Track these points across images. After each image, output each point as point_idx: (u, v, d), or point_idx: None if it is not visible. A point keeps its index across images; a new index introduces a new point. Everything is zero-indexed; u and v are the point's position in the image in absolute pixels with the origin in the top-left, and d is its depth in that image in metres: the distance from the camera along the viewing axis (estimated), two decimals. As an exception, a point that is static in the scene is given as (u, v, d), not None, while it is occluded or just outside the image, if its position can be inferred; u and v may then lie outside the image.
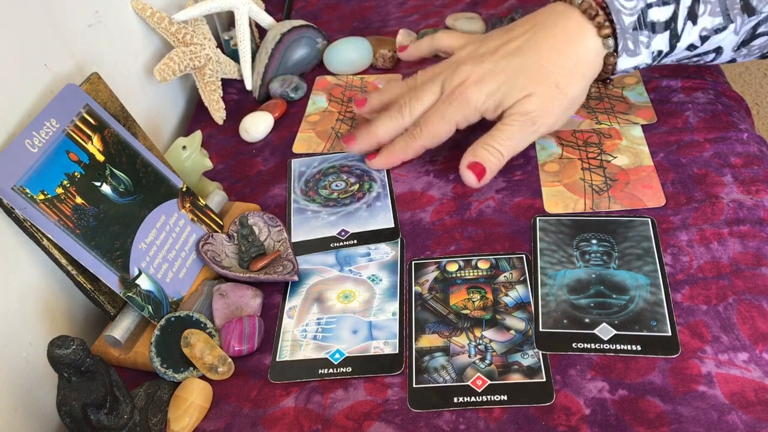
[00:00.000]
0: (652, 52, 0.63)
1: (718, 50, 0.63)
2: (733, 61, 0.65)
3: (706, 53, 0.63)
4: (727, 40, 0.62)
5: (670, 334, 0.53)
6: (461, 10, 0.94)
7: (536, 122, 0.63)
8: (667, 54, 0.63)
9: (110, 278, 0.57)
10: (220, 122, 0.84)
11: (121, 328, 0.58)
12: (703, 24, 0.61)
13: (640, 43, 0.62)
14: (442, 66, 0.68)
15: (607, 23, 0.61)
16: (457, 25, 0.89)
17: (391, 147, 0.69)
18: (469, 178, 0.64)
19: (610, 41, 0.62)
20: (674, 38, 0.62)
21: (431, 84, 0.66)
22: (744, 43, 0.62)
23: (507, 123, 0.63)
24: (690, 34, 0.61)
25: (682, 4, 0.60)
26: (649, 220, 0.61)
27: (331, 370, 0.56)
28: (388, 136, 0.69)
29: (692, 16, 0.60)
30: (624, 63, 0.63)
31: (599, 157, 0.69)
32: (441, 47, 0.73)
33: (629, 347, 0.53)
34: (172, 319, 0.58)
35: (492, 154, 0.64)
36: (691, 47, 0.62)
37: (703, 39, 0.61)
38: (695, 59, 0.65)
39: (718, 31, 0.61)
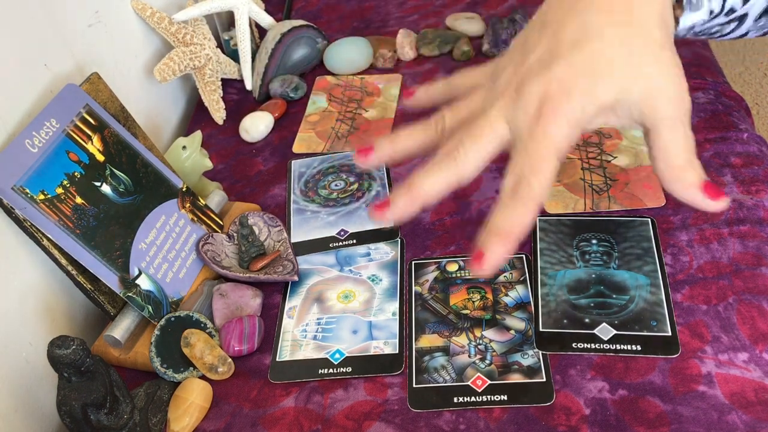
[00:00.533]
0: (711, 10, 0.50)
1: (742, 18, 0.53)
2: (743, 36, 0.55)
3: (732, 21, 0.53)
4: (758, 4, 0.51)
5: (670, 334, 0.53)
6: (461, 10, 0.94)
7: (683, 99, 0.46)
8: (716, 16, 0.51)
9: (110, 278, 0.57)
10: (220, 122, 0.84)
11: (121, 328, 0.58)
12: None
13: None
14: (483, 96, 0.50)
15: None
16: (456, 25, 0.89)
17: (501, 226, 0.45)
18: (720, 203, 0.47)
19: None
20: None
21: (493, 113, 0.47)
22: (766, 12, 0.52)
23: (669, 130, 0.46)
24: None
25: None
26: (649, 220, 0.61)
27: (331, 370, 0.56)
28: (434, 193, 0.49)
29: None
30: (686, 19, 0.50)
31: (599, 157, 0.69)
32: (461, 84, 0.55)
33: (629, 347, 0.53)
34: (172, 319, 0.58)
35: (695, 166, 0.47)
36: (731, 11, 0.51)
37: (745, 0, 0.50)
38: (716, 30, 0.54)
39: None
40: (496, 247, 0.44)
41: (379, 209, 0.49)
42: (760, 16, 0.53)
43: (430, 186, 0.48)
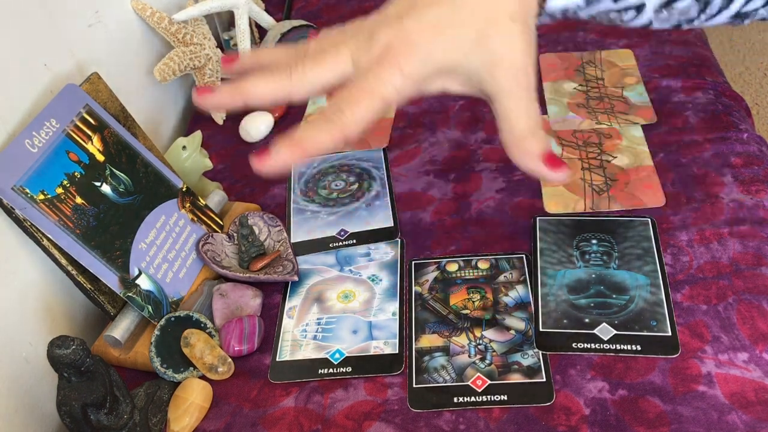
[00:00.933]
0: None
1: (640, 7, 0.51)
2: (647, 26, 0.53)
3: (628, 9, 0.51)
4: None
5: (670, 334, 0.53)
6: (461, 10, 0.94)
7: (529, 74, 0.47)
8: (596, 1, 0.50)
9: (110, 278, 0.57)
10: (220, 122, 0.84)
11: (121, 328, 0.58)
12: None
13: None
14: (353, 39, 0.50)
15: None
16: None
17: (298, 133, 0.46)
18: (559, 175, 0.47)
19: None
20: None
21: (336, 51, 0.49)
22: (667, 3, 0.51)
23: (512, 99, 0.46)
24: None
25: None
26: (649, 220, 0.61)
27: (331, 370, 0.56)
28: (268, 98, 0.49)
29: None
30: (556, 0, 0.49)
31: (599, 157, 0.69)
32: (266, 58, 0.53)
33: (629, 347, 0.53)
34: (172, 319, 0.58)
35: (539, 136, 0.47)
36: None
37: None
38: (614, 15, 0.52)
39: None
40: (284, 150, 0.45)
41: (260, 155, 0.46)
42: (661, 7, 0.52)
43: (263, 92, 0.48)
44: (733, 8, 0.50)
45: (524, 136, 0.46)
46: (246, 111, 0.83)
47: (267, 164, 0.45)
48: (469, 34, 0.45)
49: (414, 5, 0.47)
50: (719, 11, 0.50)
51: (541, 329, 0.55)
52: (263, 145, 0.80)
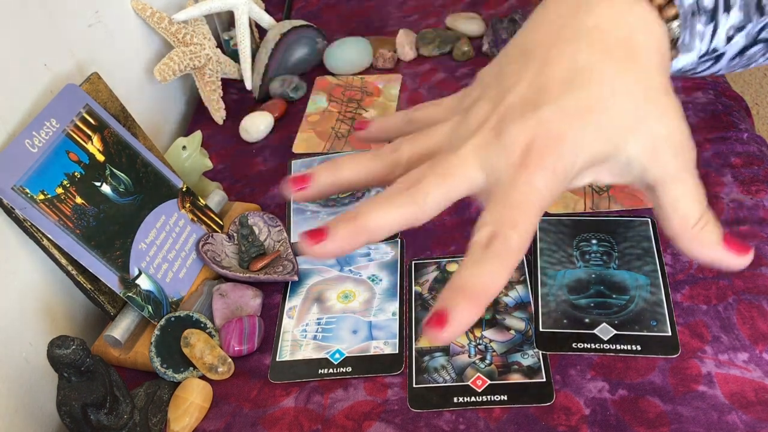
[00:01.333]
0: (700, 51, 0.45)
1: (719, 57, 0.48)
2: (715, 73, 0.50)
3: (709, 60, 0.47)
4: (737, 44, 0.46)
5: (670, 334, 0.53)
6: (461, 10, 0.94)
7: (685, 147, 0.40)
8: (702, 56, 0.46)
9: (110, 278, 0.57)
10: (220, 122, 0.84)
11: (121, 328, 0.58)
12: (732, 20, 0.44)
13: (696, 33, 0.44)
14: (460, 123, 0.42)
15: (668, 2, 0.42)
16: (456, 25, 0.89)
17: (471, 284, 0.36)
18: (744, 259, 0.40)
19: (675, 26, 0.43)
20: (714, 33, 0.45)
21: (466, 153, 0.40)
22: (743, 50, 0.47)
23: (677, 184, 0.40)
24: (723, 30, 0.45)
25: None
26: (649, 219, 0.61)
27: (331, 370, 0.56)
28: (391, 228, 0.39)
29: (727, 7, 0.44)
30: (678, 61, 0.45)
31: (599, 157, 0.69)
32: (423, 119, 0.47)
33: (629, 347, 0.53)
34: (172, 319, 0.58)
35: (711, 222, 0.40)
36: (713, 51, 0.46)
37: (728, 39, 0.45)
38: (692, 69, 0.49)
39: (739, 30, 0.45)
40: (464, 308, 0.36)
41: (314, 238, 0.38)
42: (735, 56, 0.48)
43: (383, 221, 0.39)
44: None
45: (699, 225, 0.40)
46: (247, 111, 0.83)
47: (448, 332, 0.35)
48: (623, 118, 0.38)
49: (545, 88, 0.39)
50: None
51: (541, 329, 0.55)
52: (262, 144, 0.80)
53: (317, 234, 0.38)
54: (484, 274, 0.36)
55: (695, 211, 0.39)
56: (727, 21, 0.44)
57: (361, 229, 0.39)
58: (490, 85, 0.42)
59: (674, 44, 0.43)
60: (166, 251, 0.62)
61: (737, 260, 0.39)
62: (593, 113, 0.38)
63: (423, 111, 0.47)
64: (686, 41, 0.43)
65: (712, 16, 0.43)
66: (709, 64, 0.47)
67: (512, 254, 0.36)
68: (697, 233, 0.39)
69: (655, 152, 0.39)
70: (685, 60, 0.45)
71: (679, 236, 0.40)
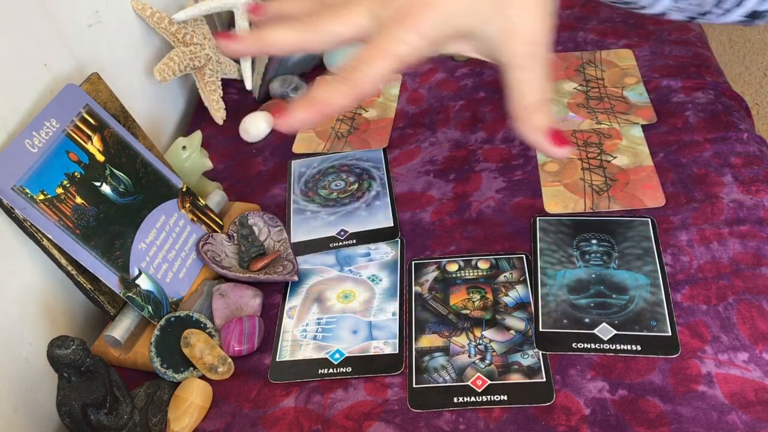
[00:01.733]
0: None
1: None
2: (661, 15, 0.53)
3: None
4: None
5: (670, 334, 0.53)
6: (461, 10, 0.94)
7: (544, 47, 0.46)
8: None
9: (110, 278, 0.57)
10: (220, 122, 0.84)
11: (121, 328, 0.58)
12: None
13: None
14: None
15: None
16: (457, 25, 0.89)
17: (313, 95, 0.47)
18: (562, 151, 0.46)
19: None
20: None
21: (354, 5, 0.49)
22: None
23: (524, 70, 0.46)
24: None
25: None
26: (649, 220, 0.61)
27: (331, 370, 0.56)
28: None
29: None
30: None
31: (599, 157, 0.69)
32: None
33: (629, 347, 0.53)
34: (172, 319, 0.58)
35: (544, 110, 0.47)
36: None
37: None
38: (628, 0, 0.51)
39: None
40: (301, 110, 0.46)
41: (279, 116, 0.47)
42: None
43: (283, 40, 0.48)
44: (748, 5, 0.49)
45: (532, 110, 0.46)
46: (247, 111, 0.83)
47: (285, 123, 0.45)
48: (487, 3, 0.45)
49: None
50: (734, 6, 0.50)
51: (541, 329, 0.55)
52: (262, 144, 0.80)
53: (282, 112, 0.46)
54: (329, 90, 0.46)
55: (532, 97, 0.45)
56: None
57: (264, 44, 0.48)
58: None
59: None
60: (166, 251, 0.62)
61: (556, 150, 0.45)
62: None
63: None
64: None
65: None
66: (648, 0, 0.51)
67: (358, 83, 0.45)
68: (527, 115, 0.45)
69: (508, 37, 0.45)
70: None
71: (515, 117, 0.46)
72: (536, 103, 0.46)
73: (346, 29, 0.48)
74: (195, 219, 0.65)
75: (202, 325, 0.59)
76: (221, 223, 0.68)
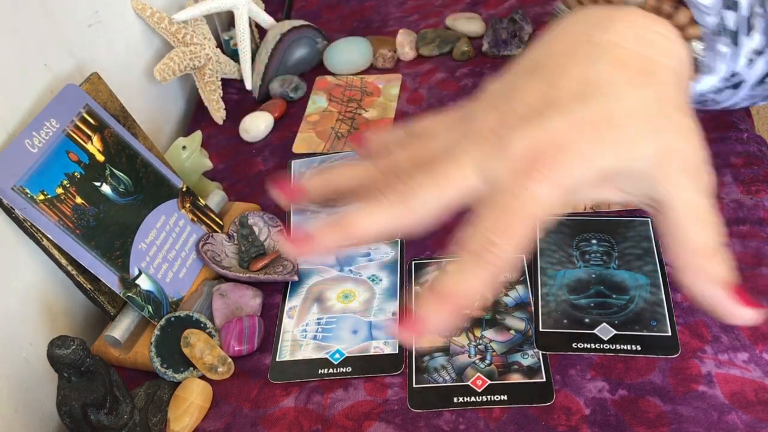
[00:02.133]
0: (723, 72, 0.44)
1: (739, 85, 0.45)
2: (731, 107, 0.49)
3: (729, 87, 0.46)
4: (758, 70, 0.44)
5: (670, 334, 0.53)
6: (461, 10, 0.94)
7: (700, 169, 0.39)
8: (726, 79, 0.44)
9: (110, 278, 0.57)
10: (220, 122, 0.84)
11: (121, 328, 0.58)
12: (754, 43, 0.43)
13: (719, 55, 0.42)
14: (464, 133, 0.40)
15: (691, 23, 0.41)
16: (456, 25, 0.89)
17: (447, 286, 0.37)
18: (753, 313, 0.35)
19: (697, 47, 0.42)
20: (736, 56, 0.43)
21: (464, 159, 0.38)
22: (764, 78, 0.45)
23: (687, 216, 0.37)
24: (744, 53, 0.43)
25: (742, 6, 0.42)
26: (649, 219, 0.61)
27: (331, 370, 0.56)
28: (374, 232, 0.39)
29: (749, 30, 0.43)
30: (701, 83, 0.44)
31: (599, 157, 0.69)
32: (422, 131, 0.44)
33: (629, 347, 0.53)
34: (172, 319, 0.58)
35: (720, 257, 0.36)
36: (734, 75, 0.44)
37: (749, 63, 0.44)
38: (711, 98, 0.47)
39: (759, 54, 0.43)
40: (438, 310, 0.36)
41: (300, 243, 0.38)
42: (756, 83, 0.46)
43: (368, 225, 0.38)
44: None
45: (705, 255, 0.36)
46: (247, 111, 0.83)
47: (417, 330, 0.36)
48: (634, 132, 0.36)
49: (555, 99, 0.37)
50: None
51: (541, 329, 0.55)
52: (262, 144, 0.80)
53: (304, 240, 0.37)
54: (465, 278, 0.36)
55: (702, 237, 0.36)
56: (749, 43, 0.42)
57: (347, 235, 0.38)
58: (497, 95, 0.40)
59: (696, 66, 0.42)
60: (166, 251, 0.62)
61: (740, 311, 0.35)
62: (604, 126, 0.36)
63: (423, 122, 0.44)
64: (708, 62, 0.42)
65: (735, 38, 0.42)
66: (729, 92, 0.45)
67: (498, 262, 0.35)
68: (698, 262, 0.35)
69: (667, 166, 0.36)
70: (707, 83, 0.43)
71: (679, 262, 0.36)
72: (710, 246, 0.36)
73: (450, 197, 0.38)
74: (195, 219, 0.65)
75: (202, 325, 0.59)
76: (221, 223, 0.68)
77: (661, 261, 0.58)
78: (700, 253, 0.36)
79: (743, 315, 0.35)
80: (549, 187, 0.35)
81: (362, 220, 0.38)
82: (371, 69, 0.88)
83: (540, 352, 0.54)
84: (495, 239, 0.35)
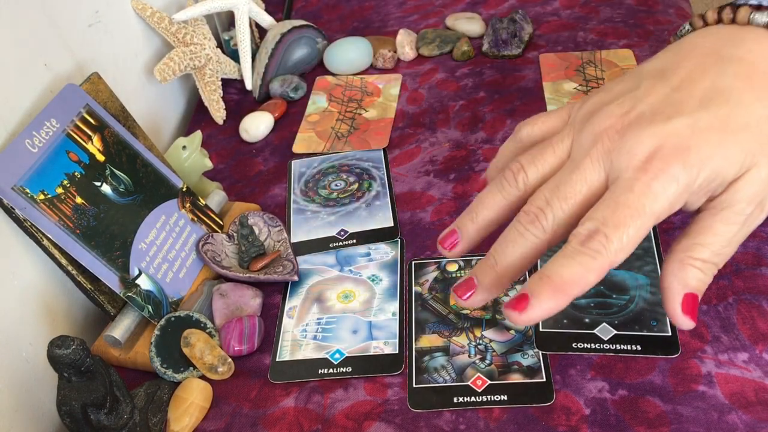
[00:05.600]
0: None
1: None
2: None
3: None
4: None
5: (670, 334, 0.53)
6: (461, 10, 0.94)
7: (765, 208, 0.40)
8: None
9: (110, 278, 0.57)
10: (220, 122, 0.84)
11: (121, 328, 0.58)
12: None
13: None
14: (580, 131, 0.41)
15: None
16: (456, 25, 0.89)
17: (557, 275, 0.38)
18: (686, 322, 0.39)
19: None
20: None
21: (588, 162, 0.40)
22: None
23: (726, 220, 0.39)
24: None
25: None
26: (649, 220, 0.61)
27: (331, 370, 0.56)
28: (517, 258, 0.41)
29: None
30: None
31: (599, 157, 0.69)
32: (532, 136, 0.46)
33: (629, 347, 0.53)
34: (172, 319, 0.58)
35: (706, 273, 0.39)
36: None
37: None
38: None
39: None
40: (547, 297, 0.37)
41: (518, 306, 0.38)
42: None
43: (512, 257, 0.41)
44: None
45: (696, 264, 0.38)
46: (247, 111, 0.83)
47: (528, 317, 0.37)
48: (753, 143, 0.38)
49: (681, 103, 0.39)
50: None
51: (541, 329, 0.55)
52: (262, 144, 0.80)
53: (521, 301, 0.38)
54: (574, 268, 0.37)
55: (708, 251, 0.39)
56: None
57: (500, 272, 0.41)
58: (620, 95, 0.42)
59: None
60: (166, 251, 0.62)
61: (680, 316, 0.38)
62: (726, 132, 0.37)
63: (531, 127, 0.46)
64: None
65: None
66: None
67: (608, 255, 0.36)
68: (685, 264, 0.39)
69: (743, 180, 0.38)
70: None
71: (670, 254, 0.40)
72: (706, 262, 0.39)
73: (580, 206, 0.40)
74: (195, 219, 0.65)
75: (202, 325, 0.59)
76: (221, 223, 0.68)
77: (661, 261, 0.58)
78: (694, 259, 0.39)
79: (681, 319, 0.39)
80: (664, 182, 0.37)
81: (508, 254, 0.41)
82: (371, 69, 0.88)
83: (540, 352, 0.54)
84: (608, 232, 0.36)
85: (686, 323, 0.39)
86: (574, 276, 0.37)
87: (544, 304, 0.37)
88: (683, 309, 0.39)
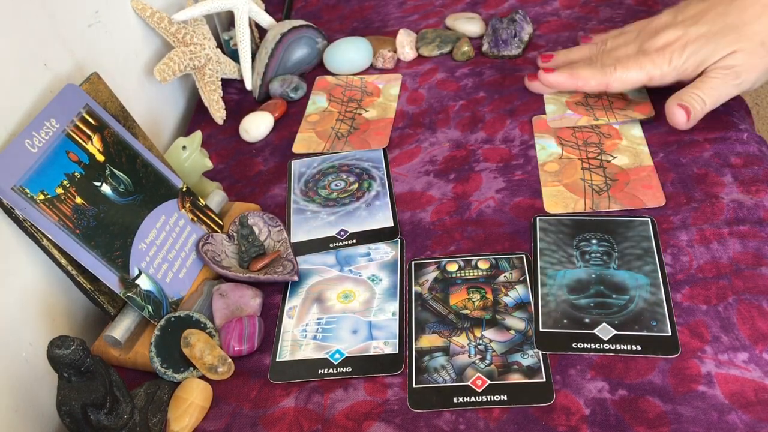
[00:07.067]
0: None
1: None
2: None
3: None
4: None
5: (670, 334, 0.53)
6: (461, 10, 0.94)
7: (740, 76, 0.64)
8: None
9: (110, 278, 0.57)
10: (220, 122, 0.84)
11: (121, 328, 0.58)
12: None
13: None
14: (637, 32, 0.71)
15: None
16: (456, 25, 0.89)
17: (576, 69, 0.71)
18: (679, 115, 0.65)
19: None
20: None
21: (627, 46, 0.70)
22: None
23: (710, 76, 0.65)
24: None
25: None
26: (649, 220, 0.61)
27: (331, 370, 0.56)
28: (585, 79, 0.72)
29: None
30: None
31: (599, 157, 0.69)
32: (607, 40, 0.75)
33: (629, 347, 0.53)
34: (172, 319, 0.58)
35: (696, 101, 0.65)
36: None
37: None
38: None
39: None
40: (564, 76, 0.73)
41: (533, 77, 0.75)
42: None
43: (586, 77, 0.71)
44: None
45: (684, 101, 0.65)
46: (247, 111, 0.83)
47: (546, 79, 0.72)
48: (751, 45, 0.63)
49: (700, 17, 0.66)
50: None
51: (541, 329, 0.55)
52: (262, 144, 0.80)
53: (545, 69, 0.74)
54: (587, 70, 0.72)
55: (698, 99, 0.66)
56: None
57: (575, 76, 0.72)
58: (679, 15, 0.68)
59: None
60: (166, 251, 0.62)
61: (674, 107, 0.67)
62: (705, 38, 0.65)
63: (609, 37, 0.75)
64: None
65: None
66: None
67: (609, 77, 0.70)
68: (677, 103, 0.66)
69: (700, 66, 0.66)
70: None
71: (677, 94, 0.67)
72: (694, 94, 0.65)
73: (638, 80, 0.70)
74: (195, 219, 0.65)
75: (202, 325, 0.59)
76: (221, 223, 0.68)
77: (661, 261, 0.58)
78: (685, 100, 0.66)
79: (674, 110, 0.66)
80: (665, 61, 0.67)
81: (584, 72, 0.71)
82: (371, 69, 0.88)
83: (540, 352, 0.54)
84: (617, 66, 0.69)
85: (679, 112, 0.66)
86: (585, 75, 0.71)
87: (559, 78, 0.72)
88: (678, 105, 0.65)
